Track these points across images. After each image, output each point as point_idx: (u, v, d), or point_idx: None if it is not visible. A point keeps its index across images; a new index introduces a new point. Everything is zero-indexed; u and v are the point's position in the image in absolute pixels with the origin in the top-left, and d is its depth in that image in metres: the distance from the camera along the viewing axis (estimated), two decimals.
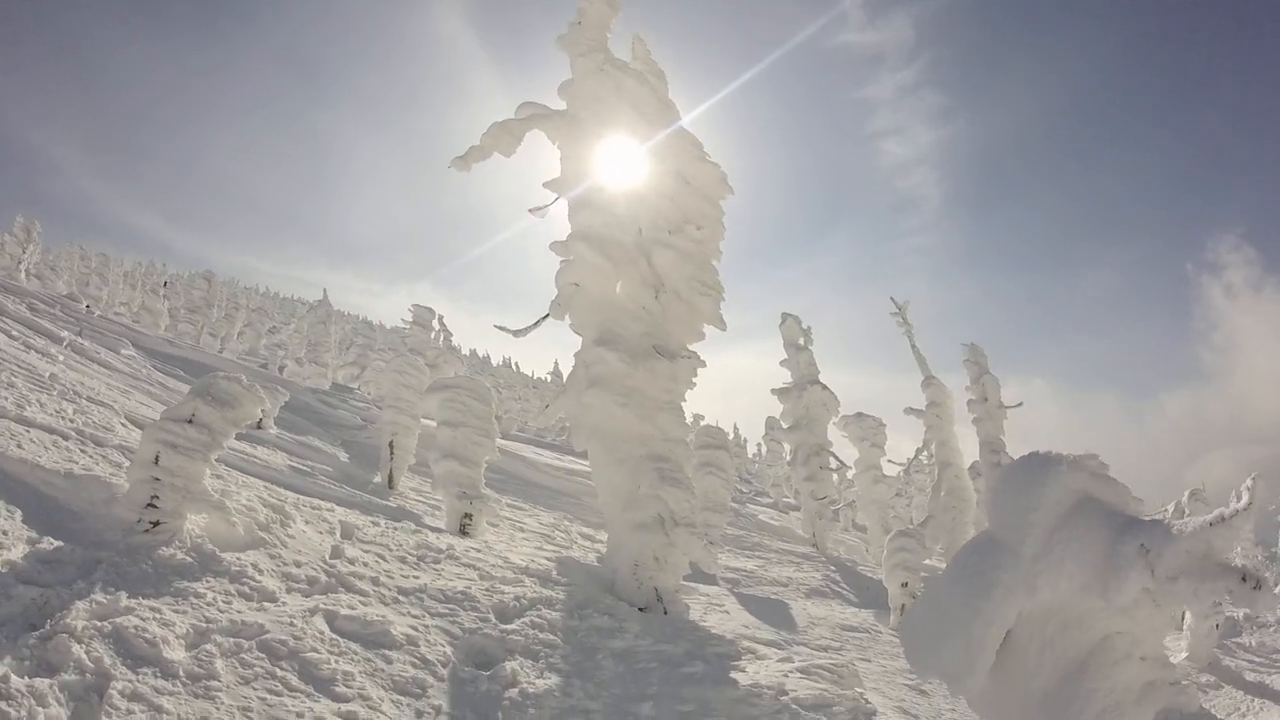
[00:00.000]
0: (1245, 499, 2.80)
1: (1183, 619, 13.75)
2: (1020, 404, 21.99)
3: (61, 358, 14.78)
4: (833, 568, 18.02)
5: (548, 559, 9.60)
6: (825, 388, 21.68)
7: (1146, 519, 3.09)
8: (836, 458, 21.91)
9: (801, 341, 22.24)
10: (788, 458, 23.39)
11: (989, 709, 3.49)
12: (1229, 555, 2.85)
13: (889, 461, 22.49)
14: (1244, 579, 2.75)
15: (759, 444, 47.33)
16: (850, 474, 23.00)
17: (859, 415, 22.54)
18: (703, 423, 20.78)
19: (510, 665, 6.28)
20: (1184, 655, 13.41)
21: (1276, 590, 2.82)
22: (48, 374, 12.36)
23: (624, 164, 10.08)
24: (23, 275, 33.22)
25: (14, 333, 15.37)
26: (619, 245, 9.58)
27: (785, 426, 22.59)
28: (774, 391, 22.26)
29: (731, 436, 52.17)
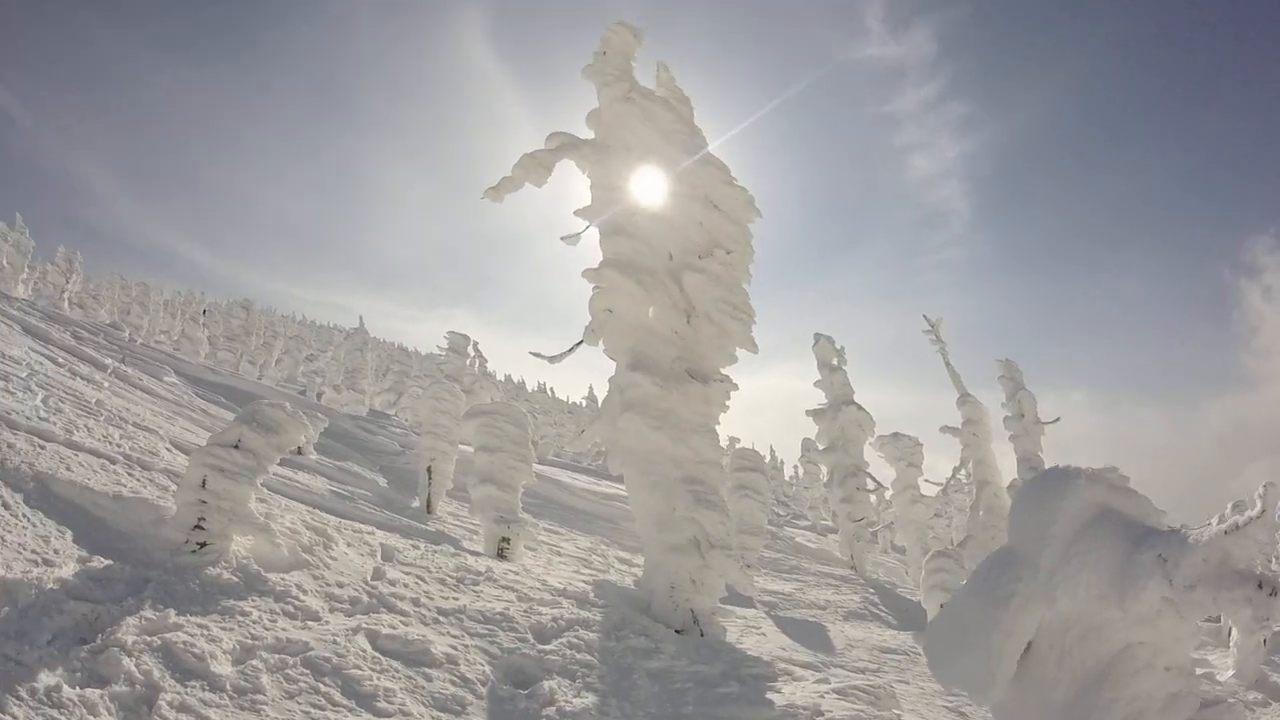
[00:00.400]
0: (1259, 507, 2.84)
1: (1229, 635, 13.47)
2: (1058, 419, 21.70)
3: (107, 384, 15.17)
4: (871, 590, 17.89)
5: (585, 582, 9.70)
6: (860, 408, 21.60)
7: (1164, 529, 3.13)
8: (873, 478, 21.79)
9: (835, 361, 22.20)
10: (824, 479, 23.29)
11: (1010, 718, 3.53)
12: (1248, 563, 2.88)
13: (926, 481, 22.23)
14: (1260, 586, 2.78)
15: (796, 466, 47.08)
16: (888, 495, 22.83)
17: (895, 435, 22.39)
18: (738, 445, 20.79)
19: (548, 684, 6.39)
20: (1230, 672, 13.12)
21: None
22: (94, 400, 12.73)
23: (653, 190, 10.25)
24: (66, 304, 34.18)
25: (60, 360, 15.82)
26: (650, 271, 9.72)
27: (821, 448, 22.53)
28: (809, 413, 22.23)
29: (768, 459, 51.96)
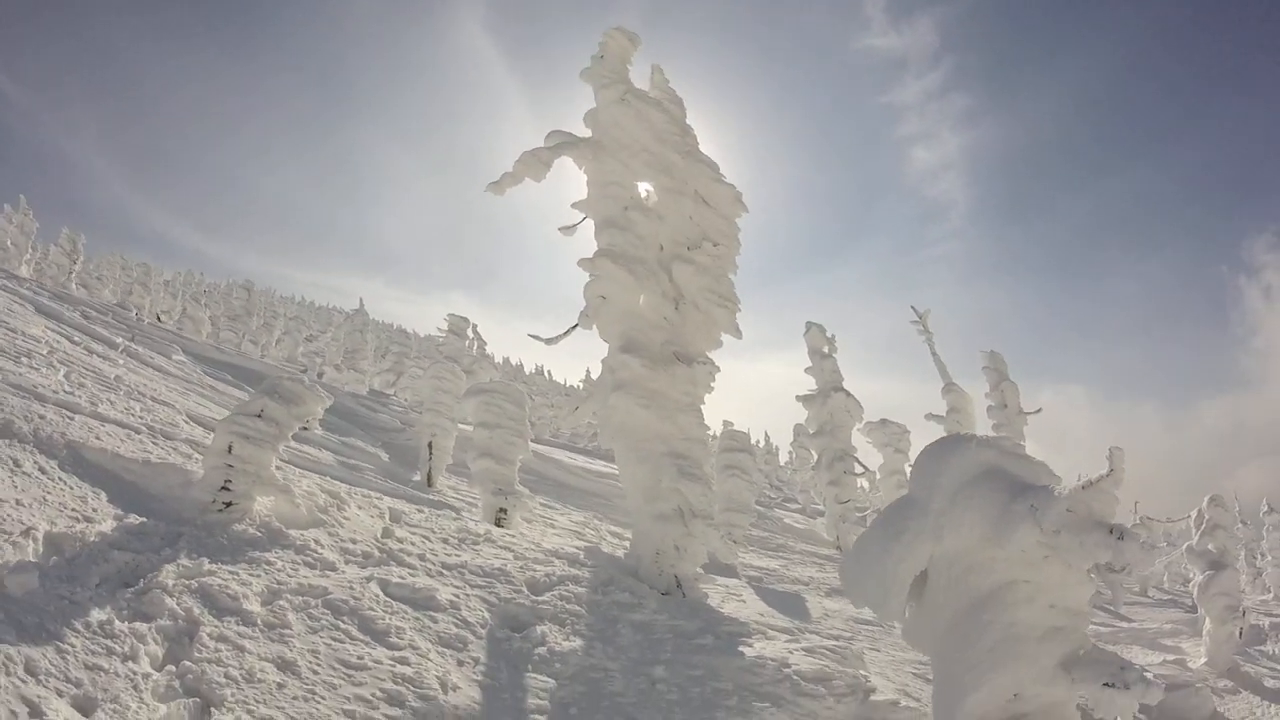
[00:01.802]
0: (1107, 468, 3.56)
1: (1204, 625, 14.13)
2: (1039, 410, 22.46)
3: (121, 362, 15.84)
4: None
5: (575, 548, 10.43)
6: (849, 394, 22.19)
7: (1039, 485, 3.86)
8: (860, 463, 22.42)
9: (825, 349, 22.79)
10: (813, 463, 23.99)
11: (915, 639, 4.31)
12: (1105, 514, 3.59)
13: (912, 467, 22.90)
14: (1111, 531, 3.49)
15: (790, 451, 47.85)
16: (875, 479, 23.51)
17: (883, 421, 23.08)
18: (731, 427, 21.43)
19: (540, 629, 7.15)
20: (1203, 660, 13.80)
21: (1143, 544, 3.54)
22: (113, 376, 13.41)
23: (645, 186, 10.93)
24: (73, 285, 34.81)
25: (76, 339, 16.49)
26: (641, 261, 10.38)
27: (811, 432, 23.14)
28: (799, 398, 22.81)
29: (763, 444, 52.71)
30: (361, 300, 40.41)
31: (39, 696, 4.33)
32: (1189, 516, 16.22)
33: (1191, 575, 16.12)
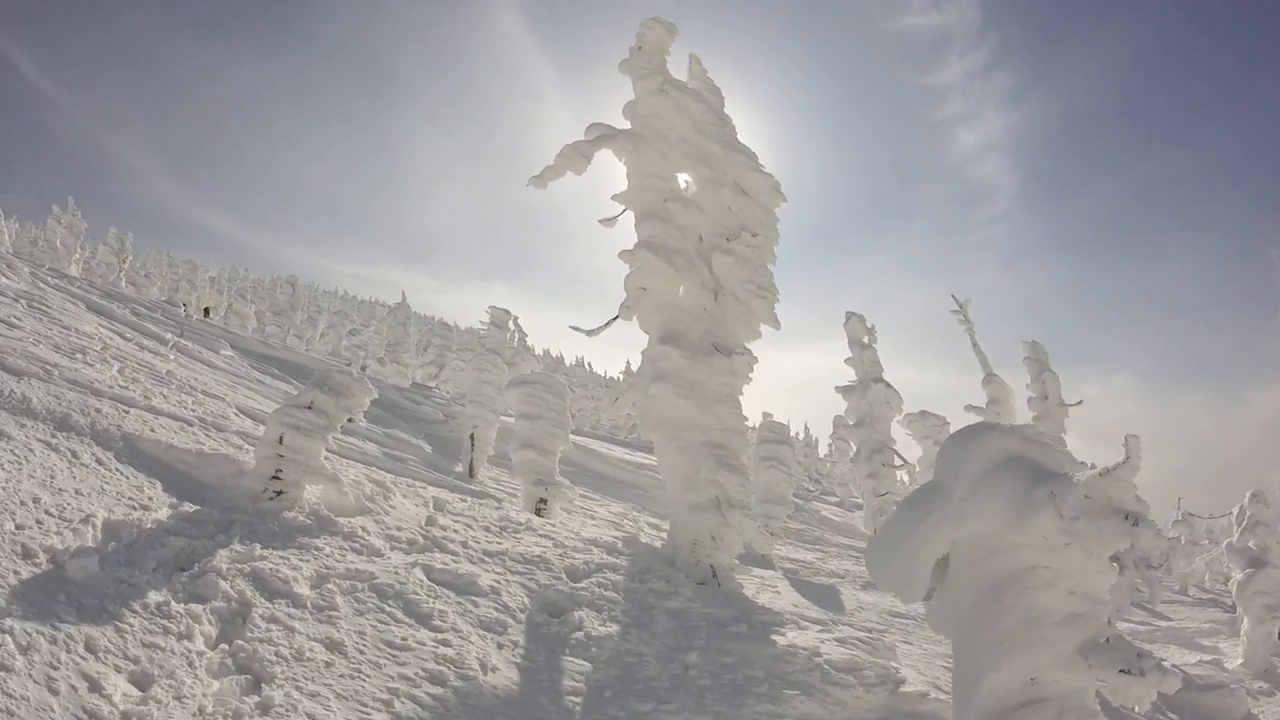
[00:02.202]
0: (1124, 455, 3.60)
1: (1241, 625, 13.89)
2: (1080, 401, 22.15)
3: (172, 357, 16.27)
4: None
5: (613, 537, 10.58)
6: (889, 385, 22.04)
7: (1059, 472, 3.92)
8: (900, 455, 22.26)
9: (865, 339, 22.62)
10: (852, 455, 23.86)
11: (937, 621, 4.40)
12: (1122, 500, 3.64)
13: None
14: (1126, 518, 3.55)
15: (829, 443, 47.60)
16: (915, 471, 23.32)
17: (923, 413, 22.87)
18: (770, 418, 21.35)
19: (578, 614, 7.31)
20: (1239, 661, 13.57)
21: (1158, 532, 3.59)
22: (164, 370, 13.80)
23: (684, 177, 11.01)
24: (122, 283, 35.75)
25: (128, 335, 16.95)
26: (681, 252, 10.47)
27: (850, 424, 23.02)
28: (838, 389, 22.70)
29: (802, 436, 52.48)
30: (404, 294, 41.09)
31: (98, 672, 4.56)
32: (1230, 513, 15.93)
33: (1231, 573, 15.84)
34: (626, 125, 10.99)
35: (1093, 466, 3.75)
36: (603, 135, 10.59)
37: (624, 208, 10.96)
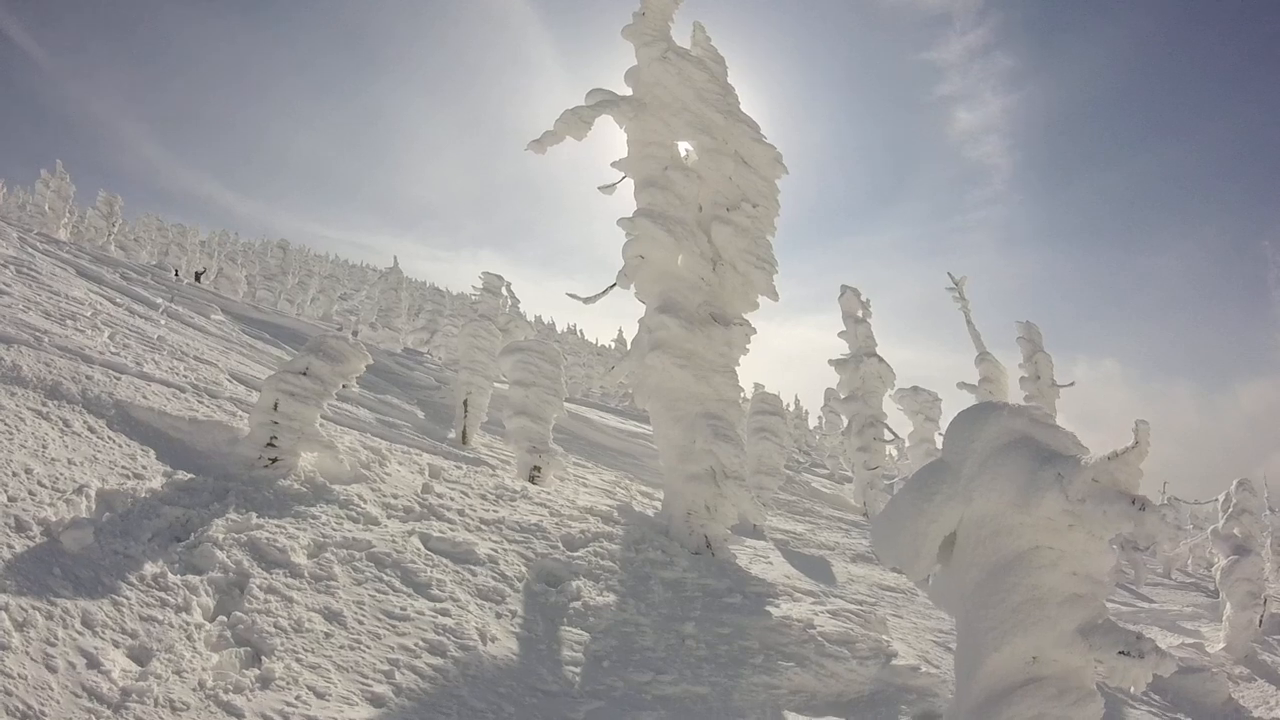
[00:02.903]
0: (1133, 440, 3.61)
1: (1224, 610, 14.10)
2: (1072, 383, 22.26)
3: (163, 322, 16.09)
4: None
5: (608, 505, 10.59)
6: (882, 360, 22.06)
7: (1066, 454, 3.93)
8: (890, 430, 22.35)
9: (860, 314, 22.62)
10: (843, 428, 23.95)
11: (942, 599, 4.43)
12: (1129, 485, 3.66)
13: (942, 436, 22.76)
14: (1133, 502, 3.57)
15: (819, 416, 47.78)
16: (905, 446, 23.44)
17: (914, 389, 22.96)
18: (762, 389, 21.39)
19: (575, 584, 7.33)
20: (1221, 646, 13.78)
21: (1164, 517, 3.60)
22: (155, 336, 13.65)
23: (685, 145, 10.89)
24: (112, 247, 35.34)
25: (118, 300, 16.74)
26: (680, 222, 10.38)
27: (842, 397, 23.06)
28: (831, 362, 22.71)
29: (793, 408, 52.63)
30: (396, 259, 40.71)
31: (96, 648, 4.51)
32: (1216, 500, 16.11)
33: (1215, 559, 16.04)
34: (627, 91, 10.85)
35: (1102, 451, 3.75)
36: (604, 101, 10.45)
37: (623, 175, 10.84)
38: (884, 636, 8.06)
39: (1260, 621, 14.42)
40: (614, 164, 10.85)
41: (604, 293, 10.75)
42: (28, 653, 4.23)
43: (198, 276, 34.27)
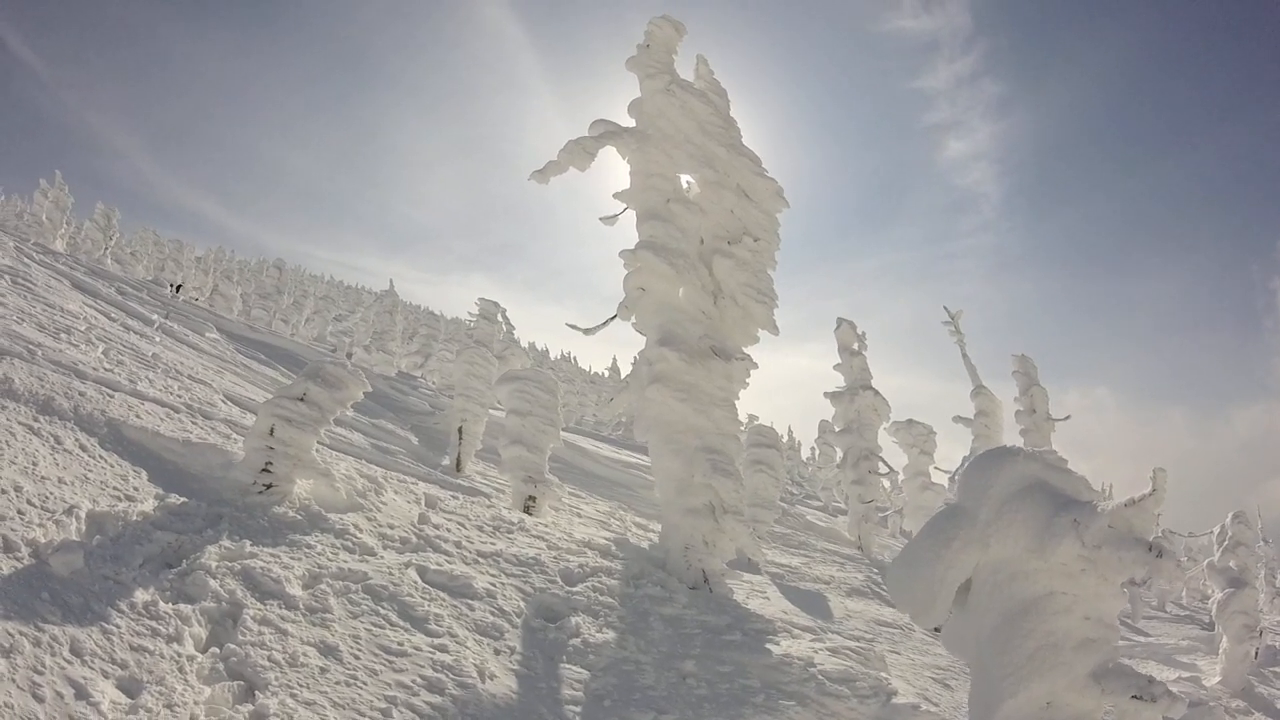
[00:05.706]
0: (1150, 488, 3.60)
1: (1220, 643, 14.05)
2: (1068, 417, 22.29)
3: (158, 339, 15.97)
4: (875, 569, 18.54)
5: (605, 539, 10.48)
6: (877, 393, 22.05)
7: (1083, 500, 3.92)
8: (886, 463, 22.31)
9: (855, 346, 22.63)
10: (838, 461, 23.89)
11: (955, 644, 4.38)
12: (1145, 531, 3.64)
13: (938, 469, 22.83)
14: (1150, 549, 3.55)
15: (813, 447, 47.68)
16: (900, 480, 23.38)
17: (910, 422, 22.94)
18: (756, 421, 21.33)
19: (574, 620, 7.20)
20: (1217, 679, 13.71)
21: (1180, 561, 3.57)
22: (150, 353, 13.52)
23: (687, 178, 10.90)
24: (108, 260, 35.20)
25: (113, 315, 16.61)
26: (682, 254, 10.37)
27: (837, 430, 23.02)
28: (827, 395, 22.71)
29: (786, 439, 52.54)
30: (391, 282, 40.68)
31: (85, 678, 4.38)
32: (1211, 532, 16.11)
33: (1211, 592, 16.00)
34: (629, 122, 10.87)
35: (1107, 494, 3.72)
36: (607, 132, 10.47)
37: (625, 206, 10.85)
38: (884, 674, 7.98)
39: (1256, 654, 14.39)
40: (616, 195, 10.86)
41: (604, 324, 10.71)
42: (14, 680, 4.09)
43: (177, 289, 34.04)
